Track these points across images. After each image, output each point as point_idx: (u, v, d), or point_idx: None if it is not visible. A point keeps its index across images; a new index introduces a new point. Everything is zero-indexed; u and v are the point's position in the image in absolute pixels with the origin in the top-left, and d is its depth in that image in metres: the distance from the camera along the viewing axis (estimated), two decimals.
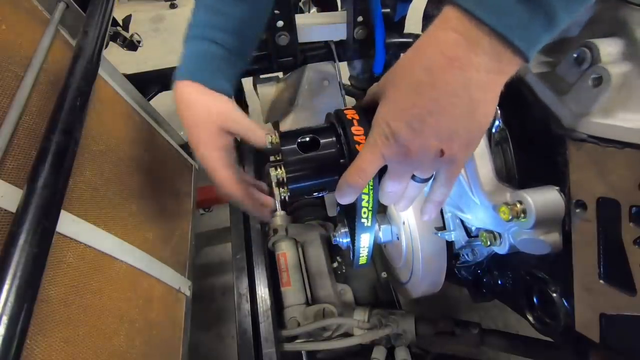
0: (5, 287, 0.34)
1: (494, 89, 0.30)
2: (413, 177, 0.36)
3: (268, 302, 0.66)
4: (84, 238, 0.51)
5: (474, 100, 0.30)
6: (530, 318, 0.52)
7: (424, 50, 0.30)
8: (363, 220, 0.42)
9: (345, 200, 0.38)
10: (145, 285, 0.65)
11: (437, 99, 0.29)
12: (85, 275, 0.50)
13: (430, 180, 0.38)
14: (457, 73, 0.28)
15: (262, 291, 0.68)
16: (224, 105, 0.48)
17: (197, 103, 0.46)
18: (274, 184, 0.41)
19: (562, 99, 0.39)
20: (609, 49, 0.35)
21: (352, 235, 0.46)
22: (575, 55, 0.37)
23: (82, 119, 0.49)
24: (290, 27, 0.79)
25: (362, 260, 0.51)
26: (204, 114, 0.46)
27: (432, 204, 0.39)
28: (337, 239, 0.59)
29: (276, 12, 0.76)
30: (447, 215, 0.57)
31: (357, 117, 0.39)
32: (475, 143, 0.33)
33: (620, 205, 0.35)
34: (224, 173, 0.46)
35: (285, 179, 0.40)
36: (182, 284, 0.77)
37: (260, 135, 0.47)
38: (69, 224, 0.49)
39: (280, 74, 0.96)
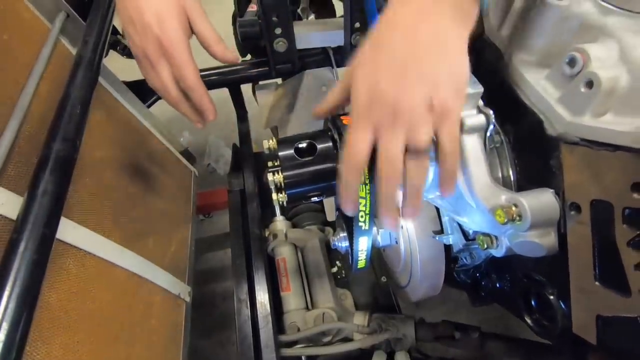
0: (6, 293, 0.34)
1: (461, 36, 0.33)
2: (407, 153, 0.33)
3: (268, 307, 0.66)
4: (84, 245, 0.51)
5: (447, 46, 0.32)
6: (529, 321, 0.52)
7: (392, 23, 0.34)
8: (361, 223, 0.42)
9: (350, 196, 0.35)
10: (145, 291, 0.65)
11: (413, 50, 0.31)
12: (85, 281, 0.51)
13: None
14: (425, 23, 0.32)
15: (262, 296, 0.68)
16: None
17: None
18: (272, 190, 0.41)
19: (555, 102, 0.39)
20: (599, 53, 0.36)
21: (350, 239, 0.46)
22: (566, 60, 0.38)
23: (82, 127, 0.50)
24: (289, 33, 0.80)
25: (361, 264, 0.51)
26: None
27: (445, 176, 0.36)
28: (336, 243, 0.59)
29: (274, 19, 0.77)
30: (445, 219, 0.57)
31: None
32: (462, 90, 0.34)
33: (613, 207, 0.35)
34: (190, 59, 0.45)
35: (283, 184, 0.40)
36: (182, 290, 0.77)
37: (217, 49, 0.47)
38: (69, 231, 0.49)
39: (278, 80, 0.96)
